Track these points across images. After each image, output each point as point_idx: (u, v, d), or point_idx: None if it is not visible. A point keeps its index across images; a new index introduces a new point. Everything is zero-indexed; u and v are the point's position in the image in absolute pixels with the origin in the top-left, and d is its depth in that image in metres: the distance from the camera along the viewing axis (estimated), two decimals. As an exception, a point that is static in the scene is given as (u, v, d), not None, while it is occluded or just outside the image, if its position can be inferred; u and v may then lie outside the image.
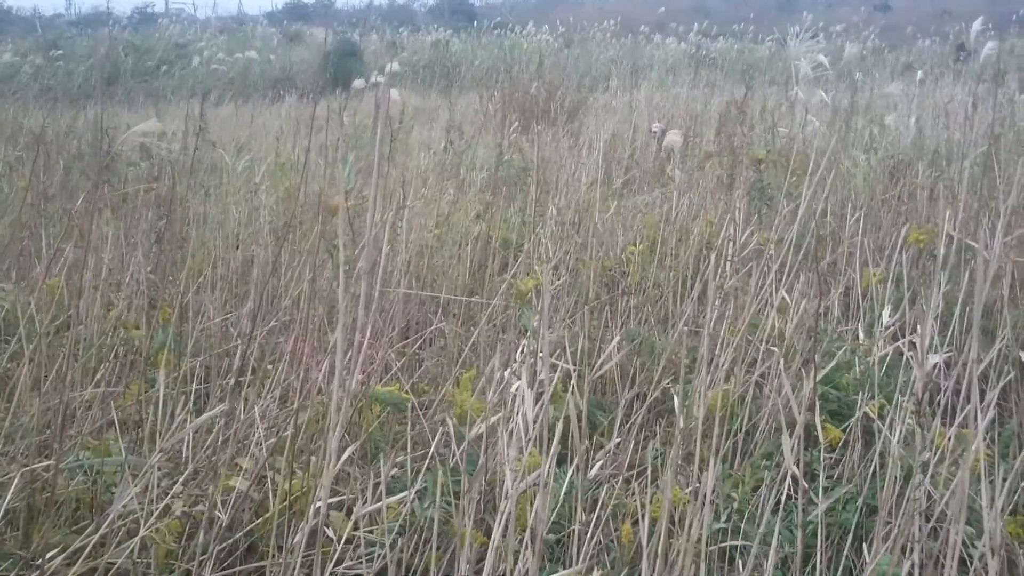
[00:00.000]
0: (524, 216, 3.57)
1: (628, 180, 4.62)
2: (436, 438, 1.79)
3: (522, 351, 1.96)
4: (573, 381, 1.64)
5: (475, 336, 2.41)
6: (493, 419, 1.90)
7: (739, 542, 1.71)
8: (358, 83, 7.96)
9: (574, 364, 1.86)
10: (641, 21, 22.85)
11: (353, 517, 1.59)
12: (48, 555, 1.54)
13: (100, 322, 2.36)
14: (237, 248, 3.28)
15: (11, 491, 1.58)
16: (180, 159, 4.82)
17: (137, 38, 17.76)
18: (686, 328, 2.39)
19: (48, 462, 1.72)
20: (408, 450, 1.90)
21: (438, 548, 1.74)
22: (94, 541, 1.57)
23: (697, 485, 2.11)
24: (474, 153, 4.73)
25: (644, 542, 1.42)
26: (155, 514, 1.57)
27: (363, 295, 1.23)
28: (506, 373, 1.89)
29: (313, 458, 1.94)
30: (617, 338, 2.22)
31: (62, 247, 2.44)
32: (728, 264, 2.61)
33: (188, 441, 1.84)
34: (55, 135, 4.76)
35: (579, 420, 1.36)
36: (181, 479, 1.66)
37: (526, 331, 2.14)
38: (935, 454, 1.65)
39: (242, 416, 1.90)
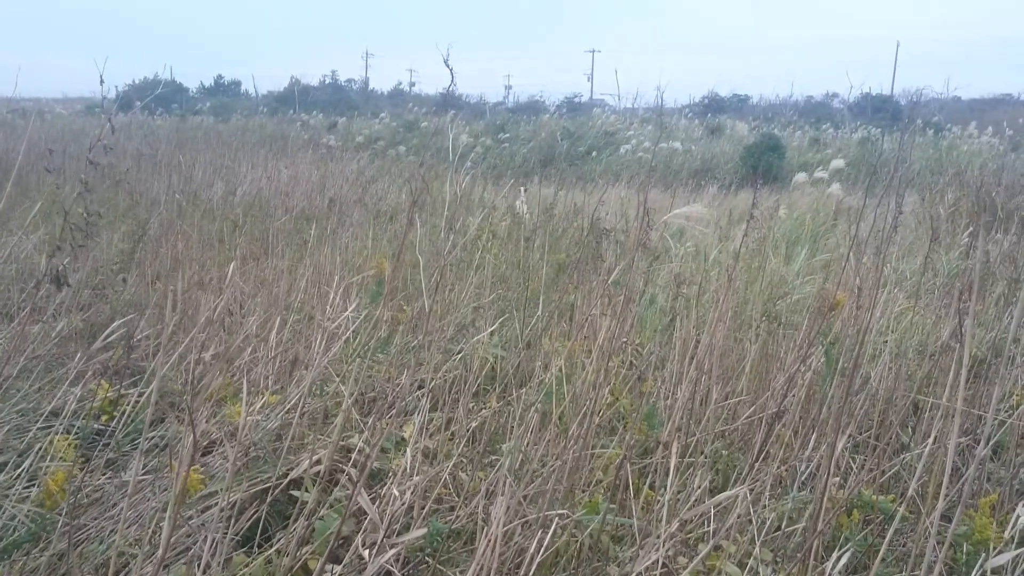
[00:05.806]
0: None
1: None
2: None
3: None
4: None
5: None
6: None
7: None
8: (800, 177, 7.91)
9: None
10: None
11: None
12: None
13: (592, 390, 2.49)
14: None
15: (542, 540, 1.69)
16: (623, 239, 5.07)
17: (572, 124, 19.17)
18: None
19: (562, 512, 1.83)
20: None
21: None
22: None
23: None
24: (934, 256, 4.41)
25: None
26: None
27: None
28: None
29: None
30: None
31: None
32: None
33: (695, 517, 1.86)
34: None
35: None
36: (698, 558, 1.67)
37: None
38: None
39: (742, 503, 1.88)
